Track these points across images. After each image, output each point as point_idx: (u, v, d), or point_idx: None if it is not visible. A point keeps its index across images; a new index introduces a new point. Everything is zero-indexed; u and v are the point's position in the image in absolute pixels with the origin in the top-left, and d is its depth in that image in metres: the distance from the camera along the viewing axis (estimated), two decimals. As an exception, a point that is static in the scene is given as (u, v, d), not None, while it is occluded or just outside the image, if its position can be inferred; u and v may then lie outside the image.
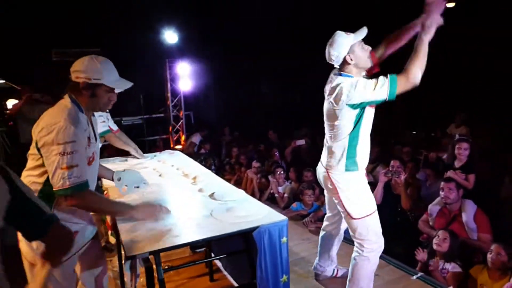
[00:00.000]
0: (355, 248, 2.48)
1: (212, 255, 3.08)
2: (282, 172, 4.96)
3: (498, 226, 3.35)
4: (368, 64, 2.32)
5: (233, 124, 9.89)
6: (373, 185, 3.62)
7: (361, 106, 2.21)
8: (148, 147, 7.97)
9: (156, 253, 1.71)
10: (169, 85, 8.02)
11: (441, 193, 3.38)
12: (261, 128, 9.87)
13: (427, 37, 2.05)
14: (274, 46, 12.33)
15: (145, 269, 1.75)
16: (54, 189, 1.71)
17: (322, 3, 10.58)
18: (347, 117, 2.26)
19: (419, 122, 8.44)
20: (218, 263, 3.24)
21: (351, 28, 2.37)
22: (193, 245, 1.89)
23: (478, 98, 10.27)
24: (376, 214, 2.42)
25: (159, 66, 8.22)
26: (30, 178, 1.81)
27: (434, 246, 3.12)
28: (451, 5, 7.24)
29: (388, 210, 3.86)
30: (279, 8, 10.10)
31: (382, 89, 2.08)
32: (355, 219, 2.37)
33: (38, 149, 1.74)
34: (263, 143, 7.94)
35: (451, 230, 3.12)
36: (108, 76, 1.87)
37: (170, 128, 8.24)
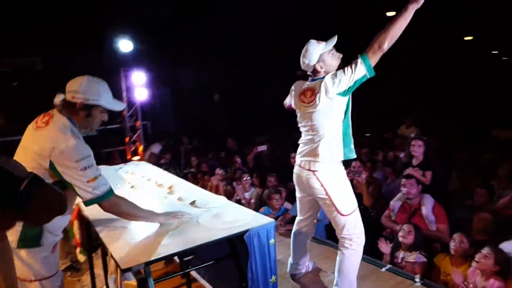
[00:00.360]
0: (342, 244, 2.53)
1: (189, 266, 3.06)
2: (248, 178, 5.02)
3: (450, 217, 3.66)
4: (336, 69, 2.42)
5: (191, 133, 9.83)
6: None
7: (350, 91, 2.32)
8: (105, 160, 7.67)
9: (148, 264, 1.70)
10: (124, 95, 7.79)
11: (403, 189, 3.61)
12: (219, 136, 9.90)
13: (413, 6, 2.13)
14: (228, 54, 12.48)
15: (138, 282, 1.72)
16: (84, 201, 1.81)
17: (274, 15, 10.90)
18: (338, 107, 2.35)
19: (371, 125, 8.92)
20: (194, 273, 3.22)
21: (319, 36, 2.50)
22: (183, 254, 1.88)
23: (426, 101, 11.14)
24: (358, 210, 2.54)
25: (114, 75, 7.97)
26: None
27: (400, 239, 3.33)
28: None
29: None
30: (237, 18, 10.27)
31: (359, 67, 2.21)
32: (344, 215, 2.43)
33: (53, 168, 1.79)
34: (223, 150, 7.98)
35: (415, 223, 3.35)
36: (106, 98, 1.92)
37: (127, 139, 7.99)
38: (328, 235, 4.04)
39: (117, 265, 1.66)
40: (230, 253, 2.15)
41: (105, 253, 2.60)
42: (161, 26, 9.93)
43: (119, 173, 3.47)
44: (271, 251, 2.04)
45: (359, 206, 2.52)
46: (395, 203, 3.80)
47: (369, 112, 10.09)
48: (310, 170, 2.47)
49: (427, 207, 3.54)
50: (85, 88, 1.88)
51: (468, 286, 2.81)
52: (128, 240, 1.88)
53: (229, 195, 5.17)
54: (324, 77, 2.36)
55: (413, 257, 3.25)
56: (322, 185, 2.43)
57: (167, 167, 6.20)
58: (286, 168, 5.50)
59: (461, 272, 2.95)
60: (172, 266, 3.28)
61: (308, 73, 2.50)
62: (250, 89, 14.38)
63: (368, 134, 8.00)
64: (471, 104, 11.75)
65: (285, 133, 8.90)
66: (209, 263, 2.34)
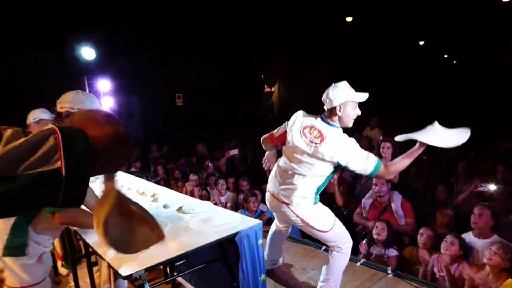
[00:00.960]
0: (331, 251, 2.64)
1: (174, 272, 3.10)
2: (223, 182, 5.10)
3: (416, 212, 3.93)
4: (349, 124, 2.42)
5: (160, 140, 9.75)
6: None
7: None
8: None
9: (147, 270, 1.75)
10: (89, 103, 7.61)
11: (374, 187, 3.84)
12: (188, 142, 9.89)
13: (418, 152, 2.32)
14: (193, 59, 12.52)
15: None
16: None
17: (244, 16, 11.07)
18: (332, 165, 2.39)
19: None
20: (180, 279, 3.26)
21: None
22: (177, 259, 1.94)
23: (388, 104, 11.71)
24: (338, 220, 2.63)
25: (76, 84, 7.79)
26: None
27: (374, 236, 3.54)
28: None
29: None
30: (202, 22, 10.32)
31: (369, 167, 2.29)
32: (326, 232, 2.52)
33: None
34: (193, 156, 7.98)
35: (387, 221, 3.58)
36: (90, 106, 1.97)
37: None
38: (303, 235, 4.19)
39: (116, 273, 1.70)
40: (220, 255, 2.24)
41: (91, 264, 2.59)
42: (124, 34, 9.82)
43: (96, 183, 3.44)
44: (260, 251, 2.15)
45: (332, 205, 2.64)
46: (366, 200, 4.01)
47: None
48: (285, 203, 2.51)
49: (396, 203, 3.78)
50: (71, 99, 2.00)
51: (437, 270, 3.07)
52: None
53: (205, 200, 5.21)
54: (334, 126, 2.39)
55: (387, 252, 3.47)
56: (297, 216, 2.49)
57: (138, 175, 6.14)
58: (259, 171, 5.64)
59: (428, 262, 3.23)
60: (154, 273, 3.29)
61: (325, 108, 2.46)
62: (216, 94, 14.50)
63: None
64: (428, 105, 12.52)
65: (255, 137, 9.05)
66: (199, 267, 2.42)
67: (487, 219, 3.06)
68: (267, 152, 2.98)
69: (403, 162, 2.33)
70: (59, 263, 3.32)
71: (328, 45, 14.33)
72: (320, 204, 2.56)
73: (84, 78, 7.59)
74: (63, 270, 3.31)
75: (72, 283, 3.03)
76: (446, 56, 16.93)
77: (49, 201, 0.82)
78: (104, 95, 7.62)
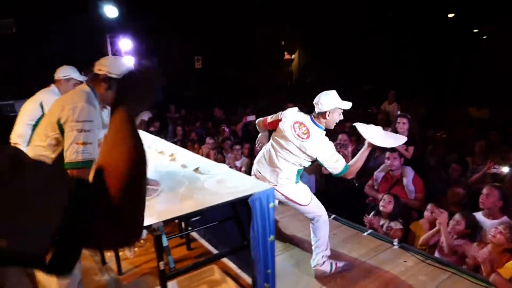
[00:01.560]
0: (312, 221, 2.93)
1: (189, 228, 3.27)
2: (239, 148, 5.19)
3: (427, 189, 3.96)
4: (332, 127, 2.83)
5: (178, 102, 9.85)
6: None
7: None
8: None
9: (165, 222, 1.87)
10: (111, 62, 7.69)
11: (387, 161, 3.87)
12: (205, 105, 9.96)
13: (367, 152, 2.78)
14: (213, 23, 12.35)
15: (155, 238, 1.90)
16: (65, 161, 1.83)
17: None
18: (310, 158, 2.80)
19: (354, 101, 9.13)
20: (194, 233, 3.45)
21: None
22: (191, 215, 2.06)
23: (405, 79, 11.45)
24: (314, 196, 2.97)
25: (99, 41, 7.83)
26: (40, 151, 1.92)
27: (380, 208, 3.62)
28: None
29: (337, 179, 4.32)
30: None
31: (337, 167, 2.72)
32: (306, 205, 2.87)
33: (60, 126, 1.87)
34: (209, 120, 8.07)
35: (395, 194, 3.63)
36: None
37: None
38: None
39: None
40: (233, 215, 2.35)
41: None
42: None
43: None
44: (270, 213, 2.24)
45: None
46: (378, 173, 4.06)
47: (352, 88, 10.34)
48: (271, 183, 2.81)
49: (408, 178, 3.81)
50: (110, 63, 2.03)
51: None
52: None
53: (221, 163, 5.34)
54: (320, 127, 2.77)
55: (392, 224, 3.55)
56: (282, 195, 2.84)
57: (156, 135, 6.29)
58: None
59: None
60: (170, 227, 3.46)
61: (316, 110, 2.78)
62: (236, 59, 14.38)
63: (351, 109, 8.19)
64: (446, 83, 12.18)
65: (269, 105, 9.07)
66: (212, 224, 2.55)
67: (495, 199, 3.08)
68: (260, 134, 3.46)
69: (358, 163, 2.78)
70: None
71: (347, 18, 13.91)
72: (300, 183, 2.93)
73: (107, 36, 7.62)
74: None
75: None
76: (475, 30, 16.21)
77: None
78: (125, 54, 7.66)
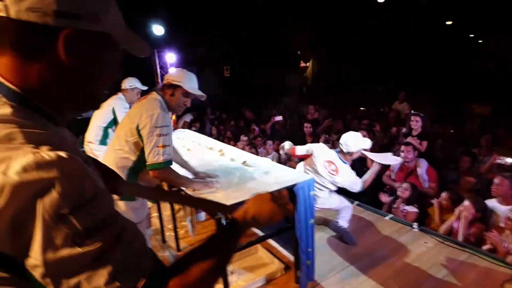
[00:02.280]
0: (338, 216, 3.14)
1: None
2: (271, 143, 5.16)
3: (440, 179, 3.82)
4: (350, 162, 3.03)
5: (212, 105, 9.92)
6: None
7: None
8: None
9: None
10: (159, 73, 7.80)
11: (402, 154, 3.76)
12: (235, 108, 9.99)
13: (378, 170, 3.05)
14: (239, 38, 12.37)
15: (216, 220, 1.88)
16: (147, 163, 1.83)
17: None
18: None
19: (367, 100, 8.97)
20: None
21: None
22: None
23: (413, 79, 11.13)
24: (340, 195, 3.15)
25: (149, 56, 7.95)
26: (121, 154, 1.92)
27: (398, 193, 3.52)
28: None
29: (357, 170, 4.24)
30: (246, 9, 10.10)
31: (357, 186, 2.96)
32: (340, 208, 3.11)
33: (138, 132, 1.85)
34: (241, 120, 8.07)
35: (412, 183, 3.52)
36: (187, 83, 1.98)
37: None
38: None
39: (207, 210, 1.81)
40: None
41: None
42: (186, 16, 9.83)
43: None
44: (311, 200, 2.20)
45: (363, 168, 3.30)
46: (395, 165, 3.94)
47: (364, 88, 10.14)
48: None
49: (422, 168, 3.69)
50: (173, 72, 2.04)
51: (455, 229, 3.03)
52: (204, 192, 2.02)
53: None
54: (346, 163, 2.98)
55: (407, 208, 3.45)
56: (321, 208, 3.14)
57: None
58: (298, 136, 5.65)
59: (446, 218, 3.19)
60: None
61: (343, 150, 2.98)
62: (258, 68, 14.37)
63: (363, 108, 8.04)
64: (451, 82, 11.73)
65: (295, 107, 9.01)
66: None
67: (507, 188, 2.94)
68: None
69: (370, 179, 3.01)
70: None
71: (357, 26, 13.59)
72: (333, 193, 3.14)
73: (155, 51, 7.71)
74: (149, 204, 3.56)
75: (155, 214, 3.27)
76: (471, 35, 15.57)
77: None
78: (170, 66, 7.74)
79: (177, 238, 2.93)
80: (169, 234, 3.13)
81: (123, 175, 1.93)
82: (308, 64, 18.82)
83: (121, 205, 1.99)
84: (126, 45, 0.71)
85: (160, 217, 3.02)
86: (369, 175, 3.00)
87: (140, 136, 1.86)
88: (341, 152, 3.02)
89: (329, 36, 15.19)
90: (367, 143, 2.97)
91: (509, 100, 6.79)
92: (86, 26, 0.59)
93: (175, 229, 2.88)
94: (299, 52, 18.15)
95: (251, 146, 5.49)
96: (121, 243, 0.55)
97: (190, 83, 2.02)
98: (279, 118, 6.45)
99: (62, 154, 0.52)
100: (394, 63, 13.01)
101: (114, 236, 0.54)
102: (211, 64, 13.22)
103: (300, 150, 3.27)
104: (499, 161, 3.81)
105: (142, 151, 1.90)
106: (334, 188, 3.06)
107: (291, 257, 2.64)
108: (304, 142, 3.99)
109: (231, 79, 14.39)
